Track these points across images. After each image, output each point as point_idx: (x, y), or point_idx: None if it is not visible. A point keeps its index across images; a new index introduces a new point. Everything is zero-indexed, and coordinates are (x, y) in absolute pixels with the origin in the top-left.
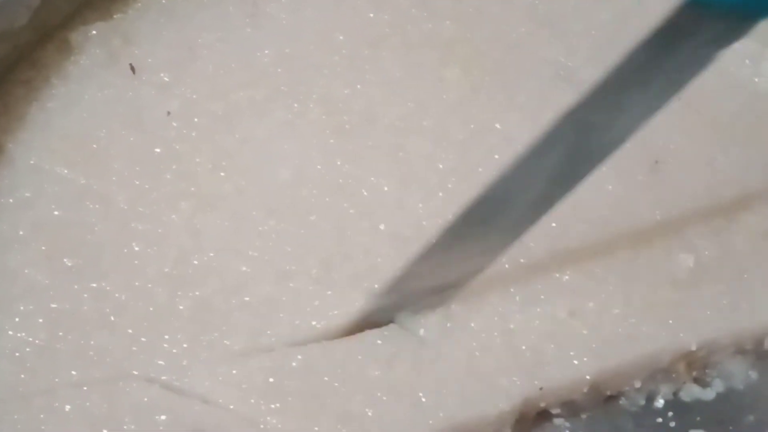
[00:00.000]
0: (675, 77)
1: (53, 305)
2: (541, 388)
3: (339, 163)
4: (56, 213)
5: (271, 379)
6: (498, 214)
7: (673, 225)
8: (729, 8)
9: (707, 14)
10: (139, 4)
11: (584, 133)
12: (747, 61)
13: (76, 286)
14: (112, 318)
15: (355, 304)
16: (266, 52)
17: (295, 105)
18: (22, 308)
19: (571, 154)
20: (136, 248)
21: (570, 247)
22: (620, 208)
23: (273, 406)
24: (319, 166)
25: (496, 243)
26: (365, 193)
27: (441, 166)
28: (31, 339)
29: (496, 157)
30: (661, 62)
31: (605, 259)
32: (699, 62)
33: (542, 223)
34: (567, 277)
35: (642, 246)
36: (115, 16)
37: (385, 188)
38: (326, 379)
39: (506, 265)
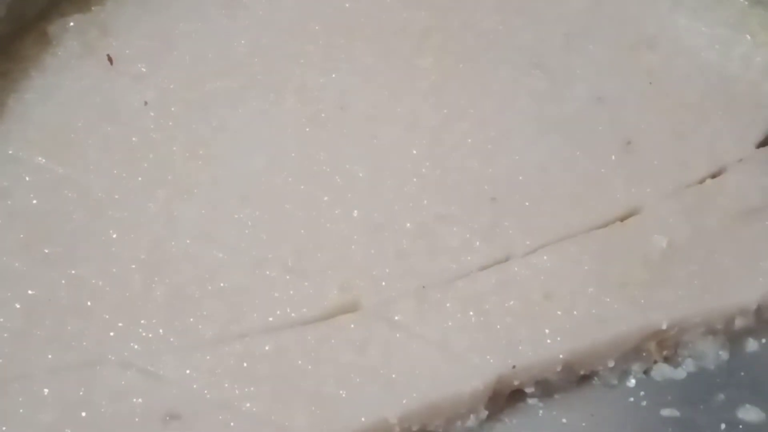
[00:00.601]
0: None
1: (30, 292)
2: (514, 366)
3: (313, 151)
4: (34, 202)
5: (244, 364)
6: None
7: (645, 205)
8: None
9: None
10: None
11: None
12: (717, 46)
13: (53, 273)
14: (89, 304)
15: (328, 292)
16: (242, 42)
17: (271, 94)
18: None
19: None
20: (114, 235)
21: (544, 226)
22: (593, 188)
23: (246, 390)
24: (293, 154)
25: None
26: (339, 181)
27: (414, 152)
28: (8, 325)
29: (469, 141)
30: None
31: (580, 240)
32: None
33: (515, 202)
34: (544, 258)
35: (616, 226)
36: (92, 8)
37: (360, 175)
38: (299, 362)
39: (478, 246)
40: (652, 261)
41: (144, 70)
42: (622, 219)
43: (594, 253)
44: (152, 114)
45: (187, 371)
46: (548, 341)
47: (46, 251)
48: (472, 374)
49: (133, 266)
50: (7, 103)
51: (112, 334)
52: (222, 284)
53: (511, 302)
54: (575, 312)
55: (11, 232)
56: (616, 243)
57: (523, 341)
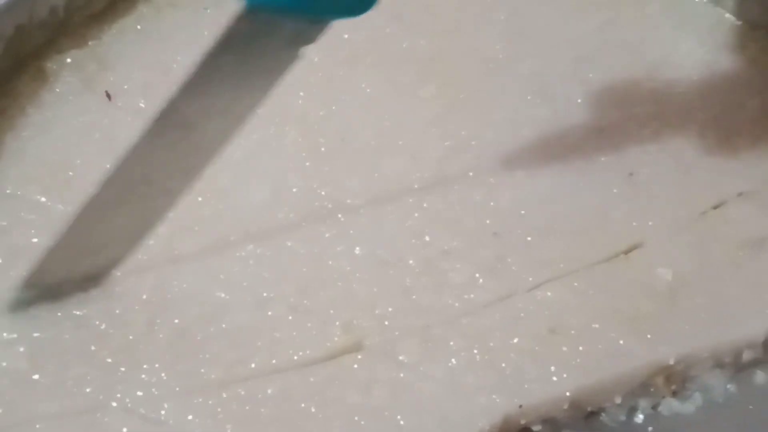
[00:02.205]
0: (262, 80)
1: (35, 334)
2: (520, 406)
3: (315, 185)
4: (34, 240)
5: (247, 408)
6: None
7: (649, 237)
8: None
9: (279, 18)
10: (114, 30)
11: (186, 131)
12: (719, 73)
13: (58, 314)
14: (92, 348)
15: (331, 332)
16: None
17: (272, 127)
18: (4, 337)
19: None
20: (118, 274)
21: (547, 261)
22: (596, 221)
23: None
24: (295, 189)
25: (133, 231)
26: (340, 216)
27: (416, 186)
28: (12, 368)
29: (471, 174)
30: (246, 67)
31: (584, 274)
32: (283, 62)
33: (518, 235)
34: (549, 293)
35: (620, 259)
36: (90, 43)
37: (361, 210)
38: (303, 405)
39: (482, 282)
40: (657, 294)
41: (143, 105)
42: (626, 252)
43: (599, 287)
44: None
45: (190, 417)
46: (554, 378)
47: (50, 290)
48: (479, 414)
49: (137, 307)
50: (4, 140)
51: (114, 379)
52: (224, 325)
53: (516, 339)
54: (581, 348)
55: (13, 271)
56: (620, 277)
57: (530, 379)
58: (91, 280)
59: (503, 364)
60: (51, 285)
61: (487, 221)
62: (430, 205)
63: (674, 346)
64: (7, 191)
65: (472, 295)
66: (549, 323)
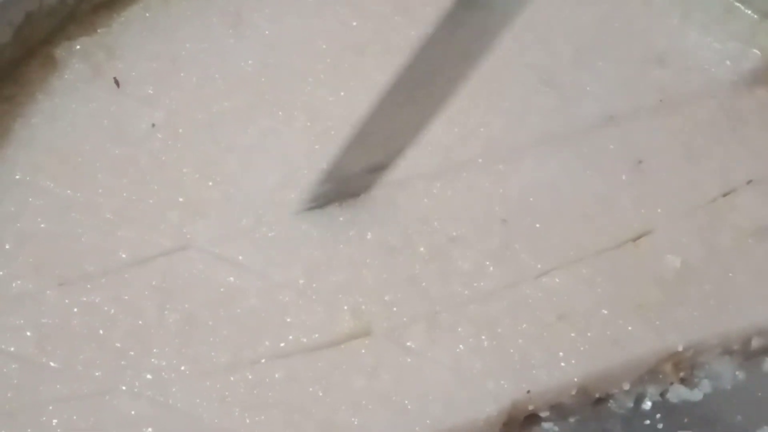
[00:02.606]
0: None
1: (43, 320)
2: (528, 391)
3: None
4: (42, 226)
5: (255, 392)
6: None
7: (658, 224)
8: None
9: None
10: (123, 18)
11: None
12: (727, 62)
13: (65, 300)
14: (101, 332)
15: (340, 317)
16: (249, 62)
17: (280, 113)
18: (12, 322)
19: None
20: (125, 259)
21: (555, 248)
22: (604, 209)
23: (257, 418)
24: (305, 172)
25: (415, 120)
26: (352, 200)
27: (424, 171)
28: (20, 353)
29: (480, 161)
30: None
31: (592, 261)
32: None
33: (526, 223)
34: (556, 280)
35: (628, 246)
36: (98, 31)
37: (372, 195)
38: (310, 389)
39: (491, 269)
40: (666, 281)
41: (151, 92)
42: (635, 239)
43: (607, 274)
44: (160, 135)
45: (198, 400)
46: (562, 364)
47: (58, 276)
48: (486, 399)
49: (146, 293)
50: (13, 127)
51: (123, 363)
52: (234, 310)
53: (524, 325)
54: (589, 334)
55: (21, 257)
56: (629, 264)
57: (537, 365)
58: (378, 170)
59: (511, 350)
60: (345, 176)
61: (496, 208)
62: (439, 192)
63: (682, 333)
64: (17, 177)
65: (480, 282)
66: (557, 310)
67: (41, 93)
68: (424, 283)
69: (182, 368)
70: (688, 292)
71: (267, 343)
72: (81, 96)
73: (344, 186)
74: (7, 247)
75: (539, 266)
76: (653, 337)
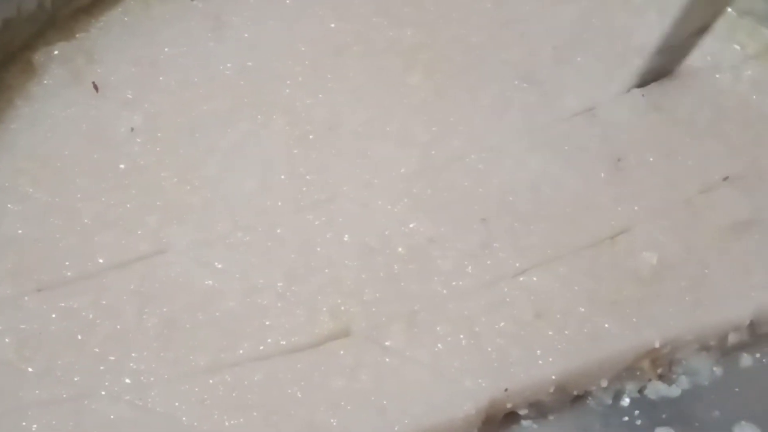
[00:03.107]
0: None
1: (22, 326)
2: (506, 389)
3: (303, 172)
4: (19, 231)
5: (234, 394)
6: None
7: (636, 222)
8: None
9: None
10: (102, 23)
11: None
12: (708, 58)
13: (44, 305)
14: (80, 337)
15: (319, 318)
16: (228, 65)
17: (259, 116)
18: None
19: None
20: (104, 264)
21: (534, 247)
22: (583, 207)
23: (236, 420)
24: (283, 176)
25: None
26: (329, 203)
27: (404, 171)
28: None
29: (459, 160)
30: None
31: (570, 259)
32: None
33: (506, 222)
34: (534, 278)
35: (605, 244)
36: (77, 36)
37: (351, 196)
38: (290, 391)
39: (469, 269)
40: (642, 278)
41: (130, 96)
42: (612, 237)
43: (584, 271)
44: (139, 140)
45: (177, 403)
46: (540, 362)
47: (36, 281)
48: (465, 398)
49: (125, 297)
50: None
51: (102, 367)
52: (213, 313)
53: (502, 323)
54: (567, 332)
55: (1, 263)
56: (606, 261)
57: (515, 363)
58: (701, 32)
59: (489, 349)
60: (674, 44)
61: (475, 207)
62: (419, 191)
63: (659, 329)
64: None
65: (459, 282)
66: (534, 308)
67: (20, 98)
68: (402, 283)
69: (161, 371)
70: (665, 288)
71: (246, 345)
72: (61, 101)
73: (669, 56)
74: None
75: (518, 265)
76: (630, 333)
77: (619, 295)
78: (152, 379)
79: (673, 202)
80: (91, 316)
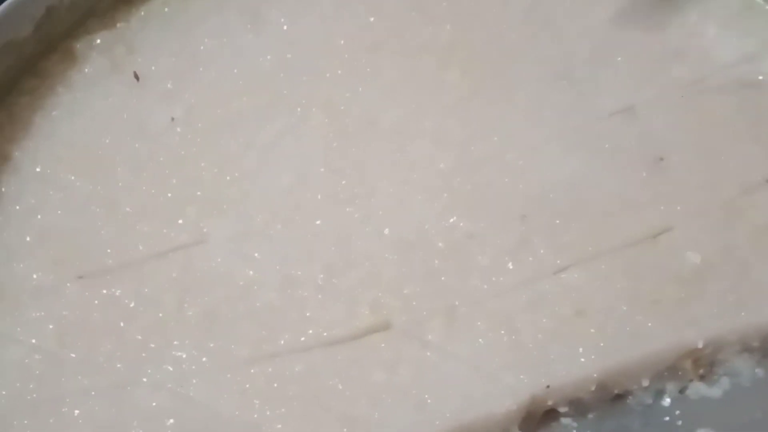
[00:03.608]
0: None
1: (64, 312)
2: (548, 386)
3: (342, 166)
4: (62, 218)
5: (275, 385)
6: None
7: (677, 221)
8: None
9: None
10: (142, 13)
11: None
12: (746, 59)
13: (86, 293)
14: (121, 324)
15: (359, 311)
16: (267, 58)
17: (297, 110)
18: (33, 315)
19: None
20: (143, 253)
21: (574, 244)
22: (624, 205)
23: (277, 411)
24: (322, 170)
25: None
26: (368, 197)
27: (442, 167)
28: (41, 346)
29: (496, 157)
30: None
31: (611, 257)
32: None
33: (545, 219)
34: (575, 276)
35: (646, 243)
36: (118, 25)
37: (389, 191)
38: (330, 383)
39: (509, 265)
40: (685, 278)
41: (170, 87)
42: (654, 236)
43: (626, 270)
44: (179, 130)
45: (218, 393)
46: (582, 360)
47: (78, 269)
48: (505, 394)
49: (166, 286)
50: (34, 120)
51: (144, 355)
52: (253, 304)
53: (543, 320)
54: (608, 330)
55: (41, 250)
56: (647, 260)
57: (556, 360)
58: None
59: (530, 345)
60: None
61: (515, 204)
62: (458, 186)
63: (701, 329)
64: (37, 170)
65: (499, 278)
66: (575, 305)
67: (62, 86)
68: (443, 278)
69: (202, 361)
70: (707, 288)
71: (287, 336)
72: (101, 90)
73: None
74: (27, 239)
75: (558, 262)
76: (672, 333)
77: (660, 294)
78: (193, 368)
79: (715, 202)
80: (132, 304)
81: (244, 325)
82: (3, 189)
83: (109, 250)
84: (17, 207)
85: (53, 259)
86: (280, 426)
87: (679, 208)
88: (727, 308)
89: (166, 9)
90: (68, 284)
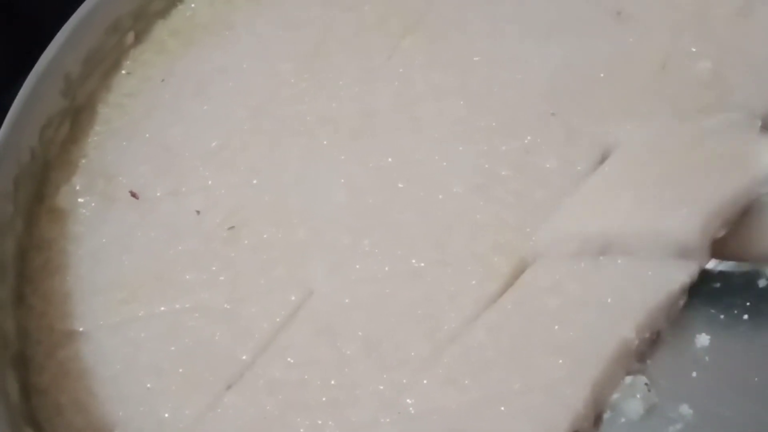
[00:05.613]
0: None
1: None
2: None
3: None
4: None
5: (472, 359)
6: None
7: None
8: None
9: None
10: (95, 141)
11: None
12: None
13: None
14: None
15: (494, 261)
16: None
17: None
18: None
19: None
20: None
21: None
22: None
23: (485, 379)
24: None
25: None
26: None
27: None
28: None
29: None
30: None
31: None
32: None
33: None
34: None
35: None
36: (80, 163)
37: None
38: (517, 331)
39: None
40: None
41: (158, 194)
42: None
43: None
44: (209, 218)
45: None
46: None
47: None
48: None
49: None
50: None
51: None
52: (406, 304)
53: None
54: None
55: None
56: None
57: None
58: None
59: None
60: None
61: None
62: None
63: None
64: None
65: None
66: None
67: (72, 245)
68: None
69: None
70: None
71: (453, 315)
72: (110, 227)
73: None
74: None
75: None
76: None
77: None
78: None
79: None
80: None
81: (405, 327)
82: None
83: None
84: None
85: None
86: None
87: None
88: None
89: (116, 124)
90: None
